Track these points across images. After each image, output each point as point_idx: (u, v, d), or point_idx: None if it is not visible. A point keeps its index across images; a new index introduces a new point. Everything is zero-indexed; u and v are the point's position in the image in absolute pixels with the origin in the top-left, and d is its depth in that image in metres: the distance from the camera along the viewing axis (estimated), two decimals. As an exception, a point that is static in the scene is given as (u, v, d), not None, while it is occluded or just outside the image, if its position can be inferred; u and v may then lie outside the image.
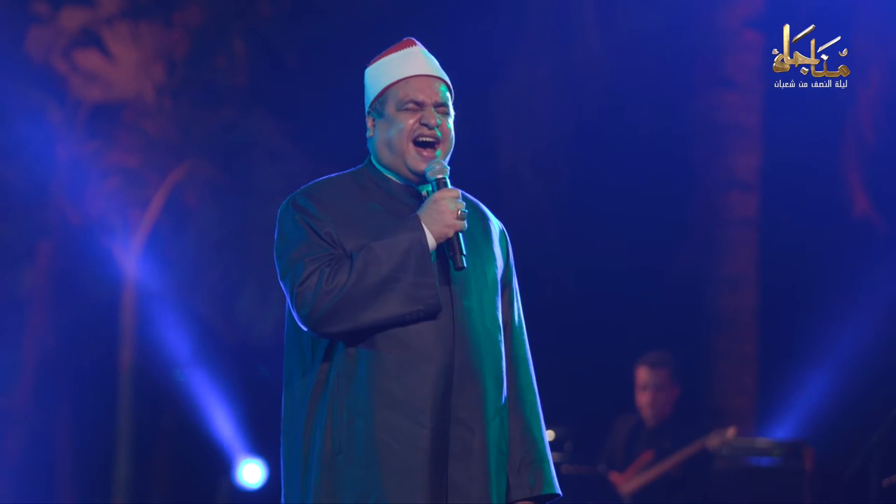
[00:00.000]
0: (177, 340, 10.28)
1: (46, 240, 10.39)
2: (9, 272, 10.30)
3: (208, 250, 10.40)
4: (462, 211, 3.52)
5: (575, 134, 10.30)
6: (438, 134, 3.62)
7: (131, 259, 10.29)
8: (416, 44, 3.72)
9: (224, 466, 10.35)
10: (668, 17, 9.87)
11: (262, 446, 10.28)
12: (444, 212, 3.51)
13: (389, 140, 3.63)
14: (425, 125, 3.61)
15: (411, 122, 3.61)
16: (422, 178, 3.63)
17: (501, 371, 3.63)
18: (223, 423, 10.24)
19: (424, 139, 3.62)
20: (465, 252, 3.52)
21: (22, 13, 10.04)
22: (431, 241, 3.51)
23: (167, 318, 10.28)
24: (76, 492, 10.71)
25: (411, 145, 3.62)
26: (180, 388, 10.28)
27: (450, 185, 3.59)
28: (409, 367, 3.49)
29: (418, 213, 3.54)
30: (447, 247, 3.54)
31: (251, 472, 10.25)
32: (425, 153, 3.62)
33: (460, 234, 3.53)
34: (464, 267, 3.52)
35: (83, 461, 10.72)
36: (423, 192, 3.66)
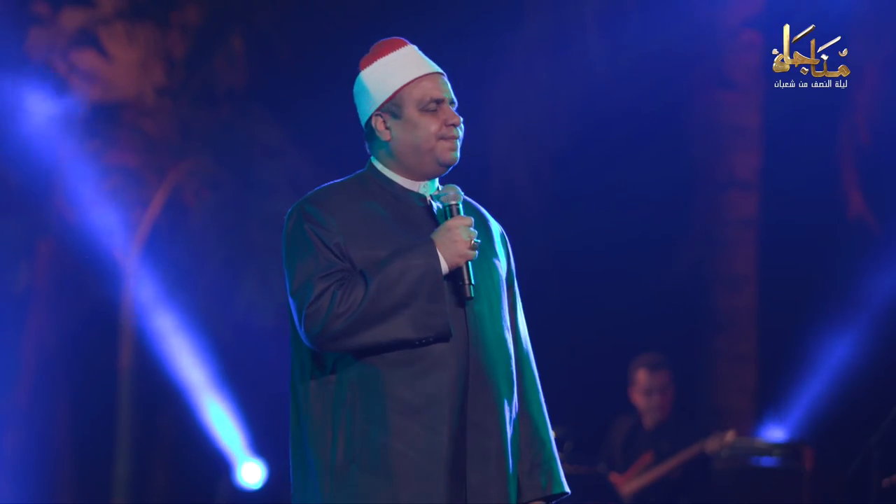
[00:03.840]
0: (176, 340, 10.28)
1: (46, 239, 10.39)
2: (8, 271, 10.29)
3: (208, 250, 10.39)
4: (475, 241, 3.54)
5: (573, 134, 10.29)
6: (461, 133, 3.67)
7: (131, 259, 10.28)
8: (407, 43, 3.74)
9: (224, 466, 10.35)
10: (668, 17, 9.86)
11: (263, 446, 10.28)
12: (458, 241, 3.52)
13: (416, 142, 3.64)
14: (452, 125, 3.65)
15: (435, 126, 3.63)
16: (445, 169, 3.67)
17: (512, 373, 3.65)
18: (223, 422, 10.23)
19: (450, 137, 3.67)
20: (473, 282, 3.54)
21: (22, 14, 10.03)
22: (444, 268, 3.52)
23: (167, 317, 10.27)
24: (76, 492, 10.70)
25: (439, 142, 3.66)
26: (180, 387, 10.28)
27: (462, 213, 3.61)
28: (424, 375, 3.49)
29: (433, 237, 3.55)
30: (456, 275, 3.55)
31: (251, 472, 10.24)
32: (450, 144, 3.65)
33: (470, 264, 3.55)
34: (471, 298, 3.53)
35: (83, 461, 10.71)
36: (427, 196, 3.68)
